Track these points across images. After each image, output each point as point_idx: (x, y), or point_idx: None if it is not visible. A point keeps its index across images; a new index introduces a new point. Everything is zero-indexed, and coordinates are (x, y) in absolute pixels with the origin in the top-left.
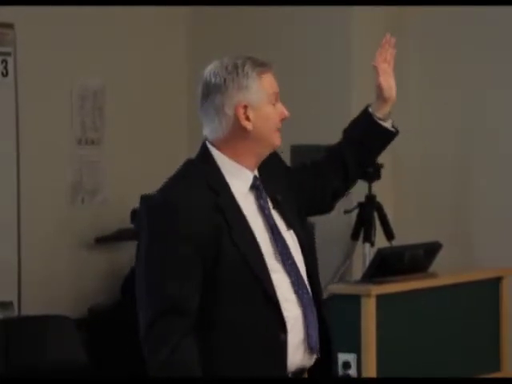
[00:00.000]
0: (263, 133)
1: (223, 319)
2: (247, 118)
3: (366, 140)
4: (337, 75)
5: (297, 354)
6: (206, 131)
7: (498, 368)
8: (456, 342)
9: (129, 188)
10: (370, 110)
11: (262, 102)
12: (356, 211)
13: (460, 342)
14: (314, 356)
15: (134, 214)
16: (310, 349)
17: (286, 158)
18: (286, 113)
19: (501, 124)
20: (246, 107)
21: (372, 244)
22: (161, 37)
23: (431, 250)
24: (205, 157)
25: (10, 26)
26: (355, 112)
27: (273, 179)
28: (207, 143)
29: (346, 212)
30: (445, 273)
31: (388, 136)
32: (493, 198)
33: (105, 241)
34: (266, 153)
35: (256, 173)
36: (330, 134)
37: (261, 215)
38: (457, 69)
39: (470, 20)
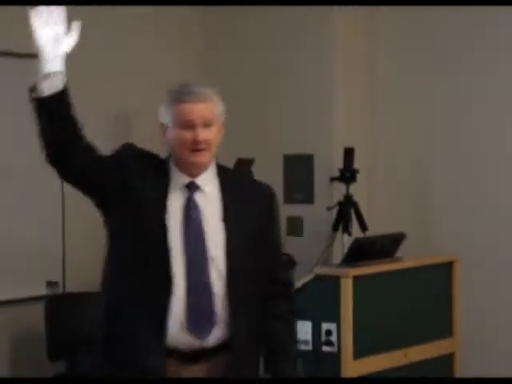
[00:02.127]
0: (175, 149)
1: (125, 255)
2: (165, 133)
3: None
4: (323, 89)
5: (176, 330)
6: None
7: (450, 334)
8: (416, 313)
9: None
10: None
11: (171, 124)
12: (336, 208)
13: (420, 313)
14: (204, 340)
15: None
16: (190, 331)
17: (279, 166)
18: (197, 137)
19: (463, 130)
20: (162, 125)
21: (349, 234)
22: (176, 63)
23: (397, 239)
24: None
25: None
26: (340, 122)
27: (249, 205)
28: None
29: (328, 209)
30: (408, 258)
31: None
32: (448, 196)
33: None
34: (189, 167)
35: (198, 180)
36: (318, 143)
37: (184, 206)
38: (424, 78)
39: (444, 20)
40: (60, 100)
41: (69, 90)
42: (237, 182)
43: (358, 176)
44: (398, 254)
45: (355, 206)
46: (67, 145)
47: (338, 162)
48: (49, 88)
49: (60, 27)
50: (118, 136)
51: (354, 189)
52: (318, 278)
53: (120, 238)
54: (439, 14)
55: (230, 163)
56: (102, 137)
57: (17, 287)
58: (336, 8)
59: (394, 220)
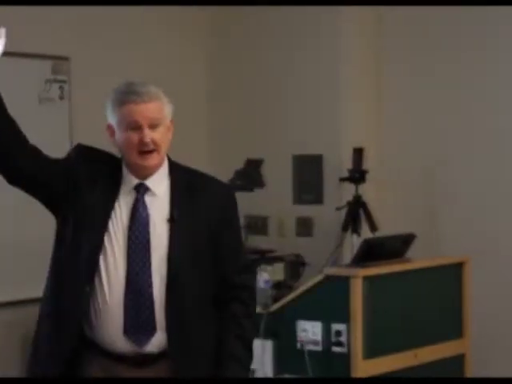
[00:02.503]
0: (123, 152)
1: (64, 256)
2: (112, 135)
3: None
4: (331, 89)
5: (113, 336)
6: None
7: (461, 334)
8: (427, 314)
9: None
10: None
11: (117, 125)
12: (346, 208)
13: (430, 314)
14: (144, 347)
15: None
16: (129, 337)
17: (288, 167)
18: (143, 139)
19: (470, 130)
20: (109, 127)
21: (359, 235)
22: (186, 63)
23: (407, 239)
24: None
25: (65, 58)
26: (348, 122)
27: (201, 205)
28: None
29: (338, 209)
30: (418, 258)
31: None
32: (457, 198)
33: None
34: (138, 169)
35: (147, 182)
36: (327, 144)
37: (131, 208)
38: (432, 78)
39: (453, 20)
40: None
41: (1, 98)
42: (190, 182)
43: (367, 176)
44: (408, 254)
45: (365, 206)
46: (5, 152)
47: (347, 163)
48: None
49: None
50: None
51: (364, 189)
52: (327, 278)
53: (62, 240)
54: (448, 14)
55: (239, 163)
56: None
57: (29, 287)
58: (344, 8)
59: (403, 220)
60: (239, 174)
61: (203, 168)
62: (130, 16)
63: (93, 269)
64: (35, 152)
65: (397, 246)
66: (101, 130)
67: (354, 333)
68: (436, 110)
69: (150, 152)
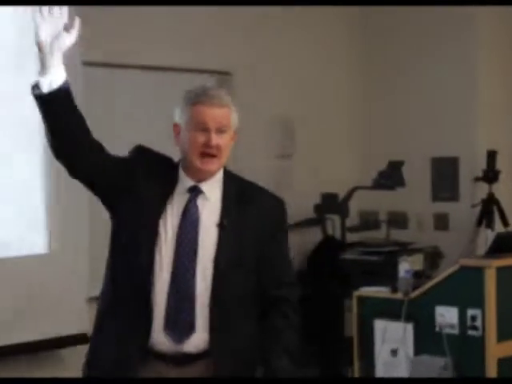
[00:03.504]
0: (185, 152)
1: (117, 257)
2: (177, 134)
3: None
4: (468, 96)
5: (156, 332)
6: None
7: None
8: None
9: (311, 189)
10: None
11: (185, 125)
12: (480, 205)
13: None
14: (182, 345)
15: (316, 208)
16: (167, 334)
17: (427, 168)
18: (210, 142)
19: None
20: (176, 125)
21: (492, 229)
22: (335, 66)
23: None
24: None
25: (228, 73)
26: (483, 127)
27: (252, 217)
28: None
29: (473, 206)
30: None
31: None
32: None
33: (296, 226)
34: (196, 171)
35: (202, 185)
36: (463, 147)
37: (183, 209)
38: None
39: None
40: (60, 97)
41: (69, 85)
42: (242, 192)
43: (501, 176)
44: None
45: (497, 203)
46: (71, 140)
47: (482, 164)
48: (48, 84)
49: (60, 23)
50: (282, 142)
51: (497, 188)
52: (463, 268)
53: (116, 241)
54: None
55: (382, 165)
56: (265, 143)
57: None
58: (481, 9)
59: None
60: (382, 175)
61: (347, 168)
62: (289, 29)
63: (149, 270)
64: (100, 147)
65: None
66: (255, 134)
67: (488, 318)
68: None
69: (212, 156)
